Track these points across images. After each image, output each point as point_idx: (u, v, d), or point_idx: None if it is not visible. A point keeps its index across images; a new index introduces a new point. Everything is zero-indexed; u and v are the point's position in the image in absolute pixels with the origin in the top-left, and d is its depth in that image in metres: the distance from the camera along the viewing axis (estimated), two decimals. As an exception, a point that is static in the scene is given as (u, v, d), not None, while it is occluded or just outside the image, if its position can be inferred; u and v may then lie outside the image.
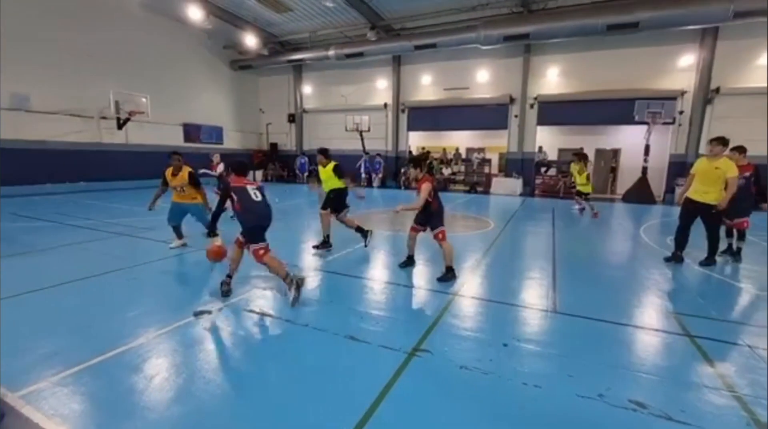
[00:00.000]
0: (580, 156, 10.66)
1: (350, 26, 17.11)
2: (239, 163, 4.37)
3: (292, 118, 21.75)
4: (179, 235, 6.21)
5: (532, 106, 16.52)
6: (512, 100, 16.82)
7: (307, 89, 21.39)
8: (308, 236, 7.31)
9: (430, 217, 4.94)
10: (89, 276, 4.71)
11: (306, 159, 20.65)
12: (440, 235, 4.88)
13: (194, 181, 5.95)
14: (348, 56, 17.37)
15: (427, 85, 18.57)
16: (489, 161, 18.51)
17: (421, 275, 5.09)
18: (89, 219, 8.53)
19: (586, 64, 15.47)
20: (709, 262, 5.52)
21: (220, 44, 19.22)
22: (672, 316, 3.82)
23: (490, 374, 2.69)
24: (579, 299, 4.27)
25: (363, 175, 18.68)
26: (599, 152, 17.01)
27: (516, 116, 16.84)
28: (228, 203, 4.00)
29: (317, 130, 21.45)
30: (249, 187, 4.05)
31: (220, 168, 9.08)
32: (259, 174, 21.41)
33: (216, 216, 4.17)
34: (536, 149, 16.84)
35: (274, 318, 3.61)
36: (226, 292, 4.06)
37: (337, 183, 6.02)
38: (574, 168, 10.59)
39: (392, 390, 2.49)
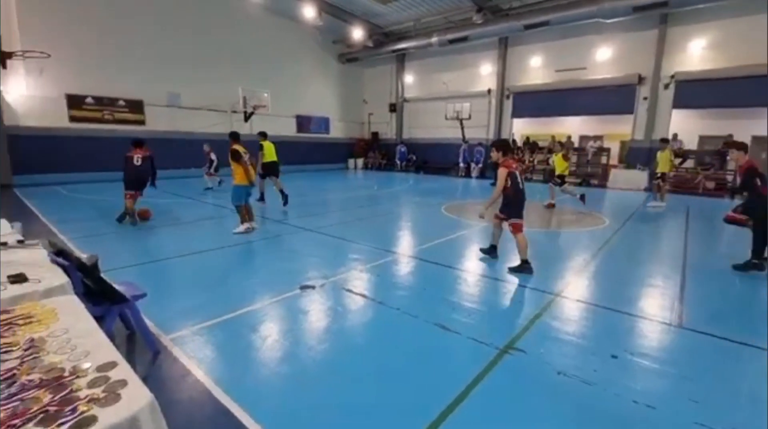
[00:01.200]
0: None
1: (455, 10, 16.64)
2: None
3: (393, 108, 22.22)
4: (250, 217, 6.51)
5: (667, 86, 14.08)
6: (641, 79, 14.55)
7: (408, 78, 21.57)
8: (394, 224, 7.46)
9: (506, 205, 4.72)
10: (220, 247, 5.56)
11: (405, 148, 20.96)
12: (512, 227, 4.63)
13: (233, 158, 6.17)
14: (451, 42, 16.97)
15: (536, 68, 17.16)
16: (607, 151, 16.39)
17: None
18: (220, 198, 10.00)
19: (742, 32, 12.50)
20: None
21: (329, 39, 20.48)
22: None
23: (593, 385, 2.46)
24: (712, 315, 3.61)
25: (461, 165, 18.23)
26: (756, 140, 13.59)
27: (645, 98, 14.56)
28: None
29: (417, 119, 21.55)
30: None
31: (213, 155, 11.89)
32: (360, 161, 22.50)
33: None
34: (669, 137, 14.35)
35: (369, 299, 3.80)
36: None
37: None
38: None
39: (480, 385, 2.44)
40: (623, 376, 2.57)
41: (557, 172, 9.84)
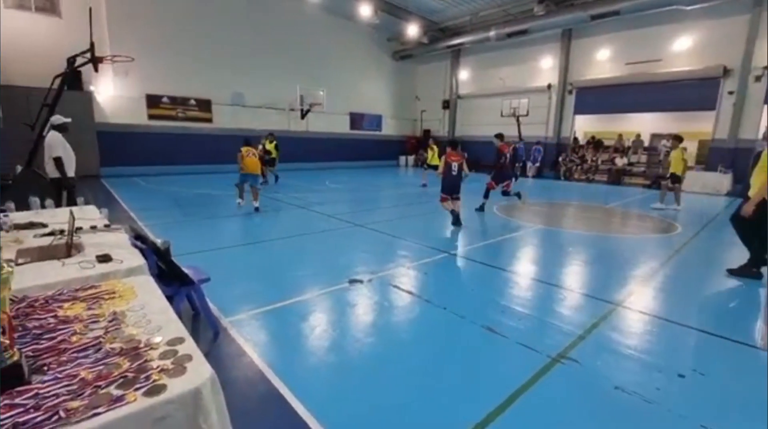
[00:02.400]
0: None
1: (515, 2, 15.99)
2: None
3: (446, 105, 21.89)
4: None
5: (758, 78, 12.47)
6: (726, 72, 13.02)
7: (463, 75, 21.10)
8: (443, 223, 7.35)
9: (442, 185, 6.78)
10: (277, 238, 5.85)
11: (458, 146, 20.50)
12: (440, 199, 6.91)
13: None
14: (510, 35, 16.34)
15: (603, 61, 15.99)
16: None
17: (575, 277, 4.56)
18: (277, 192, 10.50)
19: None
20: None
21: (384, 37, 20.62)
22: None
23: (654, 404, 2.27)
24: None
25: (517, 164, 17.46)
26: None
27: (731, 93, 13.01)
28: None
29: (470, 117, 21.05)
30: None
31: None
32: (411, 159, 22.46)
33: None
34: (759, 136, 12.71)
35: (415, 296, 3.81)
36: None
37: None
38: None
39: (527, 393, 2.35)
40: (691, 398, 2.35)
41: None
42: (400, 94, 22.66)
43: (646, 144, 16.10)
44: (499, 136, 8.09)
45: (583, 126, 17.91)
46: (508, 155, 7.10)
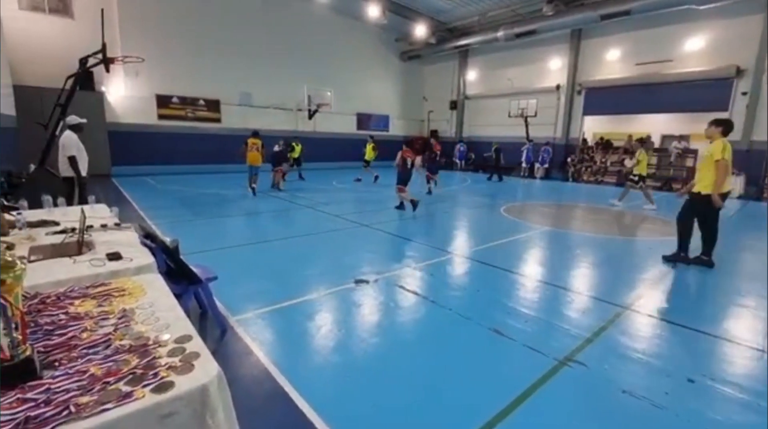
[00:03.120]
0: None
1: (523, 2, 15.88)
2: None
3: (453, 105, 21.82)
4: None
5: (773, 78, 12.25)
6: (739, 72, 12.81)
7: (471, 75, 21.01)
8: (451, 224, 7.34)
9: (398, 178, 8.09)
10: (284, 237, 5.88)
11: (465, 146, 20.40)
12: (398, 189, 8.12)
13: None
14: (518, 36, 16.24)
15: (612, 61, 15.83)
16: (694, 152, 14.68)
17: (583, 279, 4.52)
18: (284, 192, 10.55)
19: None
20: None
21: (392, 37, 20.62)
22: None
23: (663, 409, 2.24)
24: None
25: (524, 165, 17.34)
26: None
27: (744, 93, 12.79)
28: None
29: (478, 117, 20.95)
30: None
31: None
32: (418, 159, 22.36)
33: None
34: (774, 137, 12.51)
35: (421, 297, 3.80)
36: None
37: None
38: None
39: (533, 396, 2.34)
40: (701, 403, 2.31)
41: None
42: (408, 95, 22.65)
43: (657, 145, 15.88)
44: (434, 135, 9.01)
45: (592, 127, 17.73)
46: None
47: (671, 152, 14.90)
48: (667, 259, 5.12)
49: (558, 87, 17.32)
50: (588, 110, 16.83)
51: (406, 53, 21.41)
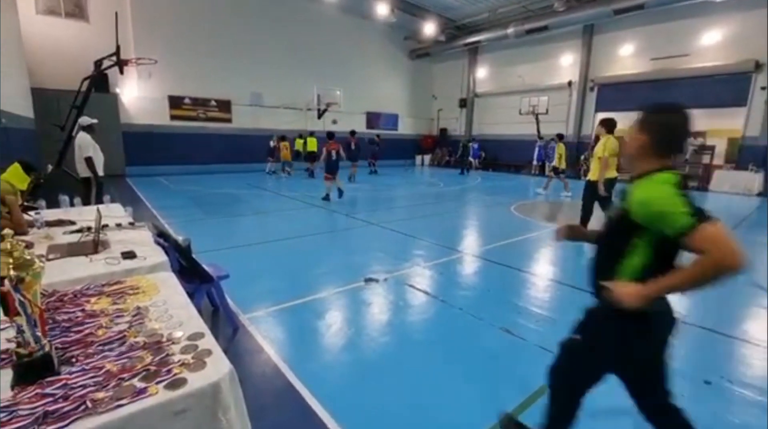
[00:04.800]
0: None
1: (535, -2, 15.71)
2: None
3: (463, 103, 21.68)
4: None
5: (795, 72, 11.89)
6: (758, 66, 12.46)
7: (480, 73, 20.84)
8: (460, 222, 7.29)
9: (326, 167, 8.94)
10: (294, 236, 5.92)
11: (478, 144, 20.11)
12: (325, 178, 8.96)
13: None
14: (529, 32, 16.05)
15: (626, 57, 15.54)
16: (711, 149, 14.33)
17: (596, 278, 4.45)
18: (294, 191, 10.62)
19: None
20: None
21: (401, 36, 20.56)
22: None
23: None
24: None
25: (535, 163, 17.12)
26: None
27: (763, 88, 12.45)
28: None
29: (487, 115, 20.78)
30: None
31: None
32: (427, 158, 22.35)
33: None
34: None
35: (431, 296, 3.79)
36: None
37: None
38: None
39: (545, 397, 2.31)
40: (718, 406, 2.26)
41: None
42: (417, 93, 22.57)
43: (672, 142, 15.53)
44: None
45: (605, 124, 17.43)
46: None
47: (686, 149, 14.57)
48: None
49: (570, 83, 17.08)
50: (601, 107, 16.54)
51: (415, 51, 21.32)
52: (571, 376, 1.69)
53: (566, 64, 17.26)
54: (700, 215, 1.20)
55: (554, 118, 17.31)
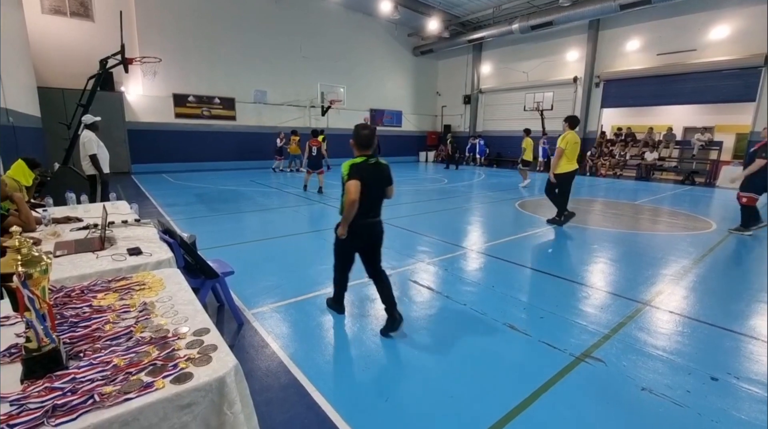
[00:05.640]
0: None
1: (540, -7, 15.58)
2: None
3: (467, 100, 21.57)
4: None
5: (805, 66, 11.70)
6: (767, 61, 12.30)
7: (485, 69, 20.72)
8: (464, 219, 7.27)
9: (309, 162, 9.86)
10: (298, 232, 5.94)
11: (484, 141, 20.07)
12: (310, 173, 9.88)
13: None
14: (533, 28, 15.95)
15: (633, 52, 15.38)
16: (719, 145, 14.17)
17: (601, 275, 4.44)
18: (298, 188, 10.63)
19: None
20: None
21: (404, 32, 20.47)
22: None
23: (684, 407, 2.19)
24: None
25: (540, 159, 17.00)
26: None
27: (772, 82, 12.28)
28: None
29: (492, 112, 20.68)
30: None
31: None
32: (431, 154, 22.30)
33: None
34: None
35: (435, 292, 3.79)
36: None
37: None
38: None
39: (549, 392, 2.31)
40: (725, 403, 2.25)
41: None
42: (421, 90, 22.49)
43: (679, 138, 15.40)
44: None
45: (611, 119, 17.29)
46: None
47: (694, 145, 14.44)
48: (549, 222, 6.71)
49: (575, 79, 16.94)
50: (606, 103, 16.43)
51: (419, 48, 21.23)
52: (337, 259, 3.12)
53: (572, 59, 17.11)
54: (353, 176, 2.66)
55: (559, 114, 17.11)
